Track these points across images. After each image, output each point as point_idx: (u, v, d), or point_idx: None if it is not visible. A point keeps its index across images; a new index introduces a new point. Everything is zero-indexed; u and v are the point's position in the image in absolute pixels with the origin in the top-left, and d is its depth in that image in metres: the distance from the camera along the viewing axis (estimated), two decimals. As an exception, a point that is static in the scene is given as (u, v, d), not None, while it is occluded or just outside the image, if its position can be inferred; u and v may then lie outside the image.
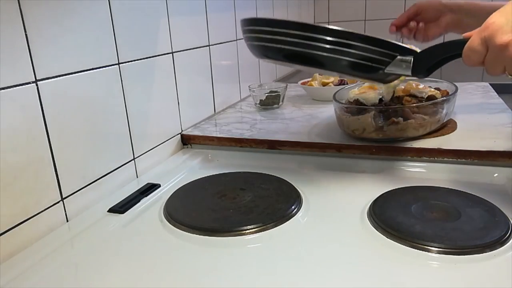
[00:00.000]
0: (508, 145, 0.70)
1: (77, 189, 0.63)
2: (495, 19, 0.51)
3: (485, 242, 0.49)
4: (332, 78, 1.18)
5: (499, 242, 0.49)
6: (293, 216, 0.59)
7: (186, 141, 0.91)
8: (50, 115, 0.58)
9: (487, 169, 0.70)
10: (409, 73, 0.59)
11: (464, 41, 0.54)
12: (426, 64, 0.58)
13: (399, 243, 0.51)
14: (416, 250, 0.49)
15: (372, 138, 0.77)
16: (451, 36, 0.58)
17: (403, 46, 0.59)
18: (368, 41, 0.57)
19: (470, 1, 0.83)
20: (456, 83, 0.86)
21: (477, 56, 0.53)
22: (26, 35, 0.54)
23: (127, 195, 0.68)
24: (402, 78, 0.70)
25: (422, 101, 0.79)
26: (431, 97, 0.79)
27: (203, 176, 0.74)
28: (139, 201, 0.66)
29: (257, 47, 0.62)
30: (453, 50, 0.55)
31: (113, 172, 0.70)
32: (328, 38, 0.56)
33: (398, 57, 0.58)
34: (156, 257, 0.52)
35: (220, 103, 1.10)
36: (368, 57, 0.57)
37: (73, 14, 0.61)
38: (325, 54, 0.57)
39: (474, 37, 0.52)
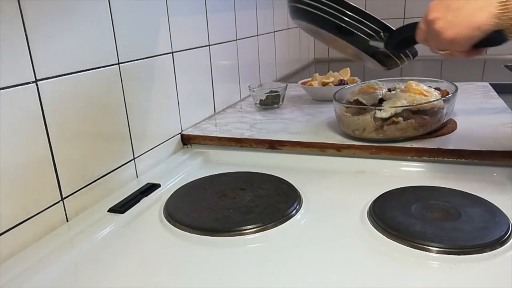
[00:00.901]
0: (508, 145, 0.70)
1: (77, 189, 0.63)
2: (433, 1, 0.57)
3: (485, 242, 0.49)
4: (332, 78, 1.18)
5: (499, 242, 0.49)
6: (293, 216, 0.59)
7: (186, 141, 0.91)
8: (50, 115, 0.58)
9: (487, 169, 0.70)
10: (383, 45, 0.68)
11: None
12: (395, 40, 0.67)
13: (399, 243, 0.50)
14: (416, 250, 0.49)
15: (372, 138, 0.77)
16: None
17: (386, 24, 0.68)
18: (361, 13, 0.68)
19: None
20: (456, 83, 0.86)
21: (421, 34, 0.60)
22: (26, 35, 0.54)
23: (127, 195, 0.68)
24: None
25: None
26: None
27: (203, 176, 0.74)
28: (139, 201, 0.66)
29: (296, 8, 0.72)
30: (413, 29, 0.62)
31: (113, 172, 0.70)
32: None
33: (382, 33, 0.68)
34: (156, 257, 0.52)
35: (220, 103, 1.10)
36: (358, 26, 0.68)
37: (73, 14, 0.61)
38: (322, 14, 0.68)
39: (423, 18, 0.60)
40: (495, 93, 1.09)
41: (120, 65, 0.71)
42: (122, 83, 0.71)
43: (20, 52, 0.53)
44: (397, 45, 0.68)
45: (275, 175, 0.71)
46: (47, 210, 0.58)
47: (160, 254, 0.53)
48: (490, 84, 1.20)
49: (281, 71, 1.63)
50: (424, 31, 0.59)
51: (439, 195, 0.61)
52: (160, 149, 0.83)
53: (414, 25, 0.62)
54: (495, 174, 0.69)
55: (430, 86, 0.87)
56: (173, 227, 0.58)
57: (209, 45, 1.02)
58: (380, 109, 0.77)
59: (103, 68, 0.67)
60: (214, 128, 0.95)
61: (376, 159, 0.76)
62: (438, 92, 0.85)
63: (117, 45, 0.70)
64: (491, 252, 0.48)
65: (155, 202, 0.67)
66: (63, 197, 0.61)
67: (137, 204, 0.65)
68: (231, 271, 0.49)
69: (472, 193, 0.61)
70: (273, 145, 0.83)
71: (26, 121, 0.54)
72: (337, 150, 0.78)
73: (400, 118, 0.75)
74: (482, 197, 0.59)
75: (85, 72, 0.64)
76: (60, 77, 0.59)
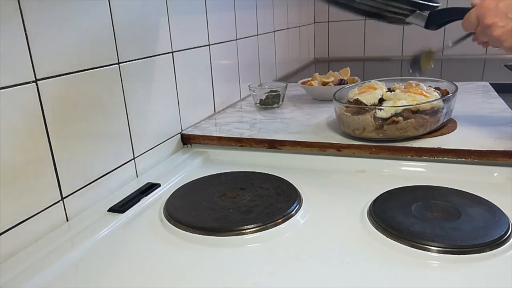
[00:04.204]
0: (508, 145, 0.70)
1: (77, 189, 0.63)
2: (487, 3, 0.65)
3: (485, 241, 0.49)
4: (332, 77, 1.18)
5: (499, 242, 0.49)
6: (293, 216, 0.59)
7: (186, 140, 0.91)
8: (50, 115, 0.58)
9: (487, 169, 0.70)
10: (423, 25, 0.74)
11: (468, 9, 0.68)
12: (437, 21, 0.74)
13: (399, 242, 0.51)
14: (416, 249, 0.49)
15: (372, 138, 0.77)
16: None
17: (423, 3, 0.73)
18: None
19: None
20: (456, 83, 0.86)
21: (471, 26, 0.68)
22: (26, 34, 0.54)
23: (127, 195, 0.68)
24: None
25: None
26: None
27: (203, 175, 0.74)
28: (139, 200, 0.66)
29: None
30: (459, 15, 0.70)
31: (113, 172, 0.70)
32: None
33: (417, 11, 0.74)
34: (156, 257, 0.52)
35: (220, 103, 1.10)
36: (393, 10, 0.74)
37: (73, 14, 0.61)
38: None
39: (472, 11, 0.67)
40: (495, 93, 1.09)
41: (120, 65, 0.71)
42: (122, 83, 0.71)
43: (20, 52, 0.53)
44: (438, 25, 0.74)
45: (275, 174, 0.71)
46: (47, 210, 0.58)
47: (160, 253, 0.53)
48: (490, 83, 1.20)
49: (281, 70, 1.63)
50: (475, 25, 0.67)
51: (439, 195, 0.61)
52: (160, 148, 0.83)
53: (460, 11, 0.69)
54: (495, 174, 0.69)
55: (430, 86, 0.87)
56: (173, 226, 0.58)
57: (209, 45, 1.02)
58: (380, 109, 0.77)
59: (103, 68, 0.67)
60: (214, 127, 0.95)
61: (376, 158, 0.76)
62: (438, 92, 0.85)
63: (117, 45, 0.70)
64: (491, 251, 0.48)
65: (155, 201, 0.67)
66: (63, 196, 0.61)
67: (137, 204, 0.65)
68: (231, 271, 0.49)
69: (472, 192, 0.61)
70: (273, 145, 0.83)
71: (26, 121, 0.54)
72: (337, 149, 0.78)
73: (400, 118, 0.75)
74: (482, 197, 0.59)
75: (85, 71, 0.64)
76: (60, 77, 0.59)
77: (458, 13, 0.70)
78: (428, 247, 0.49)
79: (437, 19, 0.73)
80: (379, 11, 0.74)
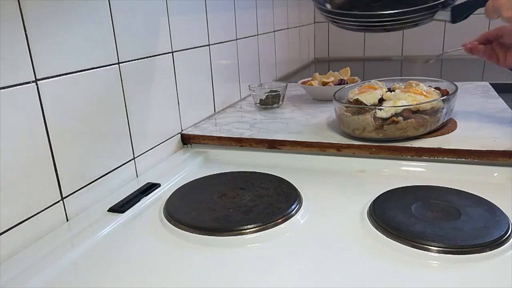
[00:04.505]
0: (508, 145, 0.70)
1: (77, 189, 0.63)
2: None
3: (485, 241, 0.49)
4: (332, 77, 1.18)
5: (499, 242, 0.49)
6: (293, 216, 0.59)
7: (186, 140, 0.91)
8: (50, 115, 0.58)
9: (487, 169, 0.70)
10: (450, 20, 0.79)
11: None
12: (461, 13, 0.78)
13: (399, 242, 0.51)
14: (416, 249, 0.49)
15: (372, 138, 0.77)
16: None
17: (443, 1, 0.78)
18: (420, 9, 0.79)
19: None
20: (456, 83, 0.86)
21: (492, 17, 0.70)
22: (26, 35, 0.54)
23: (127, 195, 0.68)
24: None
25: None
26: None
27: (203, 175, 0.74)
28: (139, 200, 0.66)
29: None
30: (479, 5, 0.74)
31: (113, 172, 0.70)
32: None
33: (440, 9, 0.78)
34: (156, 257, 0.52)
35: (220, 103, 1.10)
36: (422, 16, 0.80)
37: (73, 14, 0.61)
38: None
39: (488, 3, 0.69)
40: (495, 93, 1.09)
41: (120, 65, 0.71)
42: (122, 83, 0.71)
43: (20, 52, 0.53)
44: (464, 18, 0.78)
45: (275, 174, 0.71)
46: (47, 210, 0.58)
47: (160, 253, 0.53)
48: (490, 83, 1.20)
49: (281, 70, 1.63)
50: (495, 16, 0.69)
51: (439, 195, 0.61)
52: (160, 148, 0.83)
53: (480, 2, 0.72)
54: (495, 174, 0.69)
55: (430, 86, 0.87)
56: (173, 226, 0.58)
57: (209, 45, 1.02)
58: (380, 109, 0.77)
59: (103, 68, 0.67)
60: (214, 127, 0.95)
61: (376, 158, 0.76)
62: (438, 92, 0.85)
63: (117, 45, 0.70)
64: (491, 251, 0.48)
65: (155, 201, 0.67)
66: (63, 196, 0.61)
67: (137, 204, 0.65)
68: (231, 271, 0.49)
69: (472, 192, 0.61)
70: (273, 145, 0.83)
71: (26, 121, 0.54)
72: (337, 149, 0.78)
73: (400, 118, 0.75)
74: (482, 196, 0.59)
75: (85, 72, 0.64)
76: (60, 77, 0.59)
77: (478, 4, 0.74)
78: (428, 247, 0.49)
79: (461, 12, 0.77)
80: (399, 24, 0.78)
